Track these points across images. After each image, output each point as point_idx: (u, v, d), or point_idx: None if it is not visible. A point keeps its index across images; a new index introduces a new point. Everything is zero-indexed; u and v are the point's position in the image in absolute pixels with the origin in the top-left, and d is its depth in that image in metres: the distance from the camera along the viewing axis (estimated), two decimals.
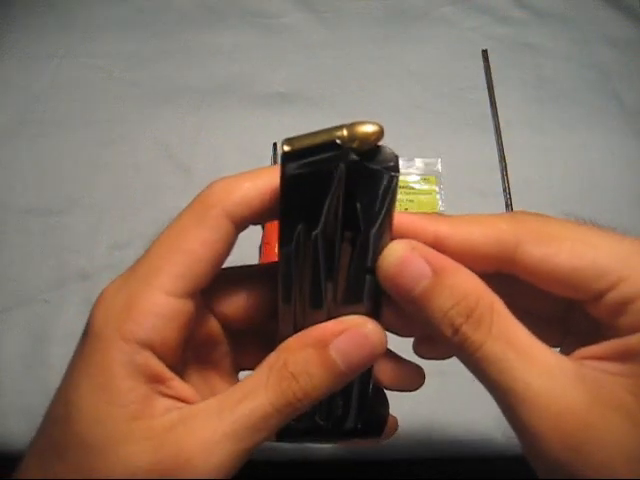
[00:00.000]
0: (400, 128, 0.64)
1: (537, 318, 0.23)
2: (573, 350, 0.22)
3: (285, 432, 0.24)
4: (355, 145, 0.21)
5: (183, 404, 0.22)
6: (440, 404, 0.47)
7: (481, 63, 0.70)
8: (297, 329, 0.23)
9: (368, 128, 0.21)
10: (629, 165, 0.63)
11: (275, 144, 0.63)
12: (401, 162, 0.63)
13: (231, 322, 0.26)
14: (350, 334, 0.22)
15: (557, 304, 0.25)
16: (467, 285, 0.21)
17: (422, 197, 0.61)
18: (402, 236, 0.23)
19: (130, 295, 0.22)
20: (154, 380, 0.22)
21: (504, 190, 0.61)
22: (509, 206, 0.60)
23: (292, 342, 0.23)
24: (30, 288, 0.55)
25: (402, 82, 0.68)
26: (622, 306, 0.21)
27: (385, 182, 0.21)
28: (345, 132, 0.21)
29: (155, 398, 0.21)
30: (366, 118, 0.21)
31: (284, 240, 0.22)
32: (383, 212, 0.22)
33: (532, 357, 0.20)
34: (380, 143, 0.21)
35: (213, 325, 0.26)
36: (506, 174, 0.62)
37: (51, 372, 0.49)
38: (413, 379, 0.27)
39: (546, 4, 0.75)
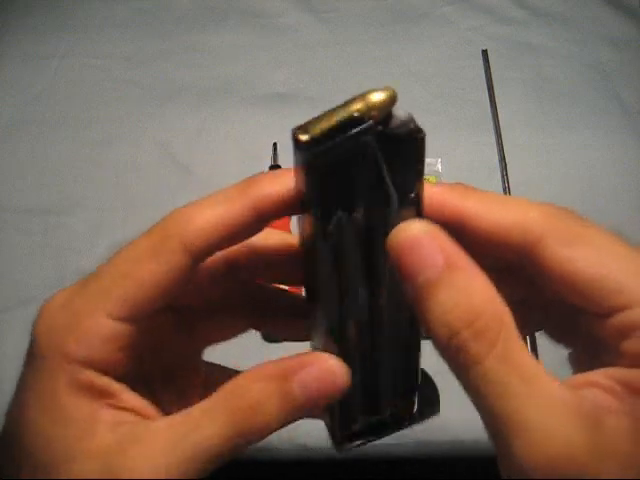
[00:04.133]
0: None
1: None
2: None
3: (344, 441, 0.24)
4: (373, 115, 0.20)
5: (136, 416, 0.22)
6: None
7: (481, 63, 0.70)
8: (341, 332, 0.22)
9: (381, 96, 0.20)
10: (629, 165, 0.63)
11: (275, 144, 0.63)
12: None
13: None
14: (315, 369, 0.21)
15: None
16: (478, 288, 0.20)
17: None
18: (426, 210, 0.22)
19: (74, 315, 0.22)
20: (100, 395, 0.22)
21: (504, 190, 0.61)
22: None
23: (251, 374, 0.22)
24: (30, 288, 0.55)
25: (402, 82, 0.68)
26: (629, 330, 0.20)
27: (414, 145, 0.21)
28: (360, 105, 0.20)
29: (103, 414, 0.21)
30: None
31: (319, 237, 0.21)
32: (416, 177, 0.21)
33: (535, 386, 0.19)
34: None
35: (185, 343, 0.26)
36: (506, 174, 0.62)
37: None
38: None
39: (546, 4, 0.75)
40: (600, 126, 0.65)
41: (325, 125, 0.20)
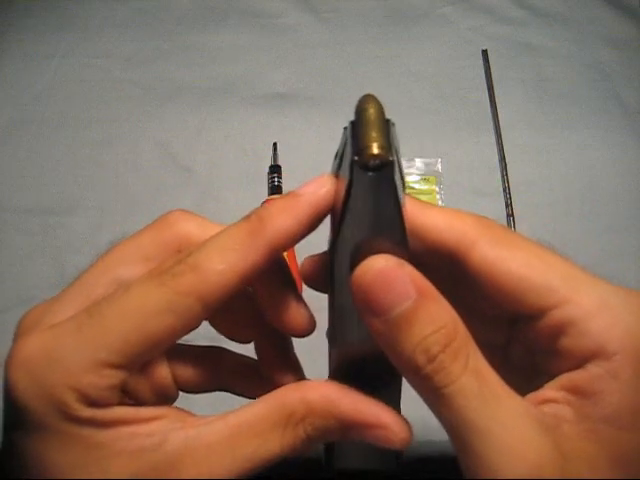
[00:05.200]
0: (400, 128, 0.64)
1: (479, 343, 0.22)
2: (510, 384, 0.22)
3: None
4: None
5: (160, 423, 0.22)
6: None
7: (481, 63, 0.70)
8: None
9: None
10: (629, 165, 0.63)
11: (275, 144, 0.63)
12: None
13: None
14: (379, 432, 0.22)
15: (500, 329, 0.25)
16: (447, 313, 0.20)
17: (422, 197, 0.61)
18: None
19: (70, 371, 0.21)
20: (118, 424, 0.21)
21: (504, 190, 0.61)
22: (509, 206, 0.60)
23: (319, 403, 0.22)
24: (30, 288, 0.55)
25: (402, 82, 0.68)
26: (563, 328, 0.21)
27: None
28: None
29: (125, 440, 0.21)
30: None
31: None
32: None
33: (503, 399, 0.20)
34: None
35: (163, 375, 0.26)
36: (506, 174, 0.62)
37: None
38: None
39: (546, 4, 0.75)
40: (600, 126, 0.65)
41: (384, 137, 0.20)
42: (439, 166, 0.63)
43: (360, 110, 0.21)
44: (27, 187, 0.61)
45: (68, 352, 0.21)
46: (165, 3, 0.74)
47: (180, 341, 0.24)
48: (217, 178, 0.62)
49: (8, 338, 0.25)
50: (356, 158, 0.19)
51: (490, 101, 0.67)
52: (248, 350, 0.28)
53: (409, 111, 0.65)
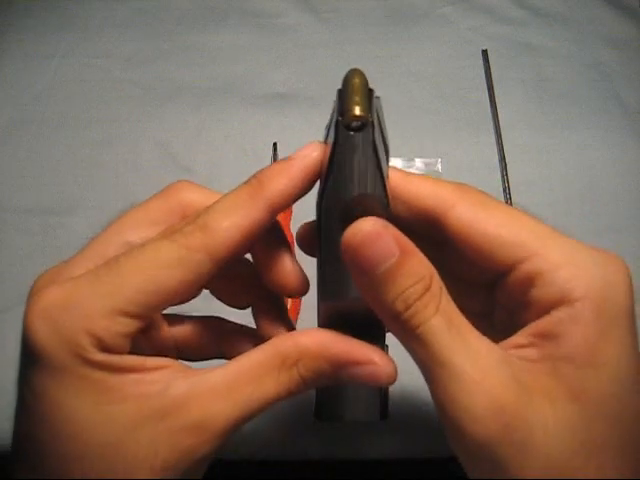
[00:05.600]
0: (400, 128, 0.64)
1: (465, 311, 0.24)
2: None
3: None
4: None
5: (162, 372, 0.23)
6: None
7: (481, 63, 0.70)
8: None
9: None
10: (629, 165, 0.63)
11: (275, 144, 0.63)
12: (401, 162, 0.63)
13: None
14: (367, 368, 0.24)
15: (483, 296, 0.27)
16: (425, 267, 0.23)
17: None
18: None
19: (87, 317, 0.22)
20: (127, 370, 0.23)
21: (504, 190, 0.61)
22: None
23: (311, 346, 0.24)
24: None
25: (402, 82, 0.68)
26: (532, 279, 0.23)
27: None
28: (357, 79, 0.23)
29: (130, 385, 0.23)
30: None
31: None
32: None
33: (469, 339, 0.22)
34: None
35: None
36: (506, 174, 0.62)
37: None
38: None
39: (546, 4, 0.75)
40: (600, 126, 0.65)
41: (365, 100, 0.22)
42: (439, 166, 0.63)
43: (346, 80, 0.23)
44: (27, 187, 0.61)
45: (86, 299, 0.22)
46: (165, 3, 0.74)
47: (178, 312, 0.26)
48: (217, 178, 0.62)
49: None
50: (340, 118, 0.22)
51: (490, 101, 0.67)
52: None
53: (409, 111, 0.65)
